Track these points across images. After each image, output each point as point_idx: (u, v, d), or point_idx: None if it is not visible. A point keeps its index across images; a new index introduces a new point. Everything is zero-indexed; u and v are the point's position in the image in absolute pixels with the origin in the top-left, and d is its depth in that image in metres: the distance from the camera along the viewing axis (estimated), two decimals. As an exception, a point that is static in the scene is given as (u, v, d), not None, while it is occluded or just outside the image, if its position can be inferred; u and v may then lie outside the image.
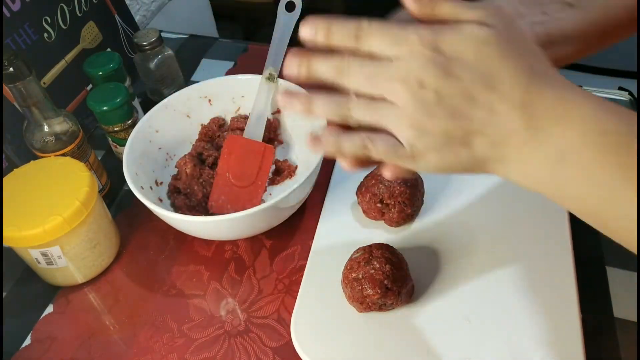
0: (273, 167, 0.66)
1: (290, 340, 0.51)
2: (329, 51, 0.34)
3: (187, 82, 0.82)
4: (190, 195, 0.63)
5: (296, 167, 0.66)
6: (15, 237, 0.52)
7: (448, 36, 0.31)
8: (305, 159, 0.66)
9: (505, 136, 0.32)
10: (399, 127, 0.33)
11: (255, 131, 0.65)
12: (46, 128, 0.59)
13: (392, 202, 0.56)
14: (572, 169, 0.31)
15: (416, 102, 0.32)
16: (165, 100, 0.66)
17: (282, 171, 0.66)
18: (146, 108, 0.66)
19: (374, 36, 0.33)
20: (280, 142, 0.69)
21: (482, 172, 0.34)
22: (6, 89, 0.59)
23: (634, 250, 0.32)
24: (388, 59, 0.32)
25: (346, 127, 0.35)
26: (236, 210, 0.52)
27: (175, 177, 0.65)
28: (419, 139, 0.33)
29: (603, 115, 0.31)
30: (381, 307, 0.50)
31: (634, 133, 0.30)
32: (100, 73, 0.69)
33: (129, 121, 0.66)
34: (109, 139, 0.69)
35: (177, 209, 0.62)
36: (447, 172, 0.34)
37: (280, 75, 0.65)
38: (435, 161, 0.33)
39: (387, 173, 0.36)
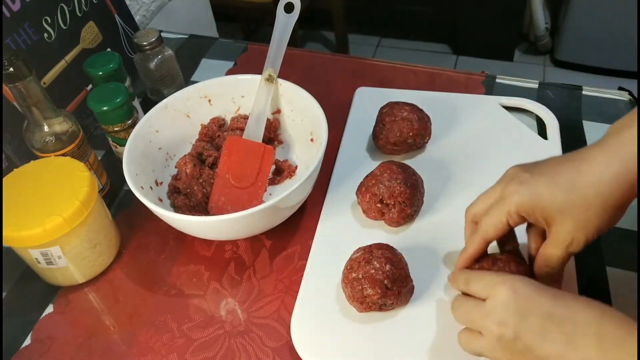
0: (273, 167, 0.66)
1: (290, 340, 0.51)
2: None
3: (187, 82, 0.82)
4: (190, 195, 0.63)
5: (296, 167, 0.66)
6: (15, 237, 0.52)
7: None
8: (305, 159, 0.66)
9: None
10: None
11: (255, 132, 0.65)
12: (46, 128, 0.59)
13: (392, 202, 0.56)
14: None
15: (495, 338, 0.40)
16: (165, 100, 0.66)
17: (282, 171, 0.66)
18: (146, 108, 0.66)
19: (474, 282, 0.44)
20: (281, 142, 0.69)
21: None
22: (6, 89, 0.59)
23: None
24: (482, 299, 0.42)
25: None
26: (236, 212, 0.52)
27: (175, 177, 0.65)
28: None
29: None
30: (381, 307, 0.50)
31: None
32: (100, 73, 0.69)
33: (129, 121, 0.66)
34: (109, 139, 0.69)
35: (177, 209, 0.62)
36: None
37: (280, 76, 0.65)
38: None
39: None
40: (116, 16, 0.82)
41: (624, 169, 0.39)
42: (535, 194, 0.41)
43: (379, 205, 0.56)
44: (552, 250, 0.43)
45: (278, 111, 0.68)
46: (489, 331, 0.40)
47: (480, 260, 0.48)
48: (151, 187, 0.62)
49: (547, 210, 0.41)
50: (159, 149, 0.65)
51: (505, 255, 0.48)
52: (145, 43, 0.73)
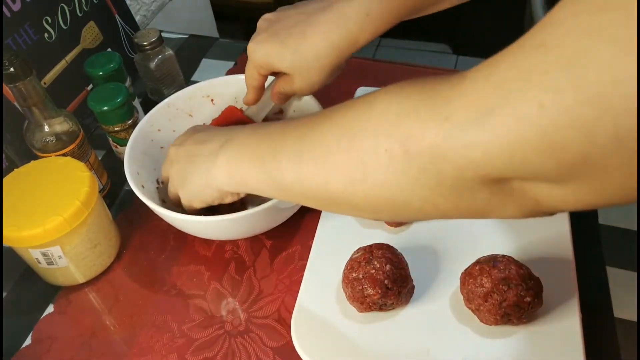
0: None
1: (291, 340, 0.51)
2: None
3: (188, 82, 0.82)
4: (191, 195, 0.63)
5: (296, 167, 0.66)
6: (16, 237, 0.52)
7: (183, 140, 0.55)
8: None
9: (213, 163, 0.48)
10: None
11: (255, 115, 0.63)
12: (46, 128, 0.59)
13: (393, 202, 0.56)
14: (236, 168, 0.46)
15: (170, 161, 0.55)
16: (168, 99, 0.66)
17: (283, 171, 0.66)
18: (146, 108, 0.66)
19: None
20: (281, 142, 0.69)
21: (214, 187, 0.49)
22: (6, 89, 0.59)
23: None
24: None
25: None
26: None
27: (176, 177, 0.65)
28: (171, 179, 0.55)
29: (251, 139, 0.45)
30: (381, 307, 0.50)
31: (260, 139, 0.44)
32: (101, 73, 0.69)
33: (130, 121, 0.66)
34: (110, 139, 0.69)
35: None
36: (194, 193, 0.51)
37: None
38: (186, 189, 0.52)
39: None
40: (116, 16, 0.82)
41: (340, 39, 0.48)
42: (267, 55, 0.50)
43: (379, 205, 0.56)
44: (287, 88, 0.54)
45: (280, 112, 0.68)
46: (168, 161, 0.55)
47: (481, 262, 0.49)
48: (152, 186, 0.62)
49: (278, 68, 0.51)
50: (161, 148, 0.65)
51: (506, 257, 0.48)
52: (145, 43, 0.73)
